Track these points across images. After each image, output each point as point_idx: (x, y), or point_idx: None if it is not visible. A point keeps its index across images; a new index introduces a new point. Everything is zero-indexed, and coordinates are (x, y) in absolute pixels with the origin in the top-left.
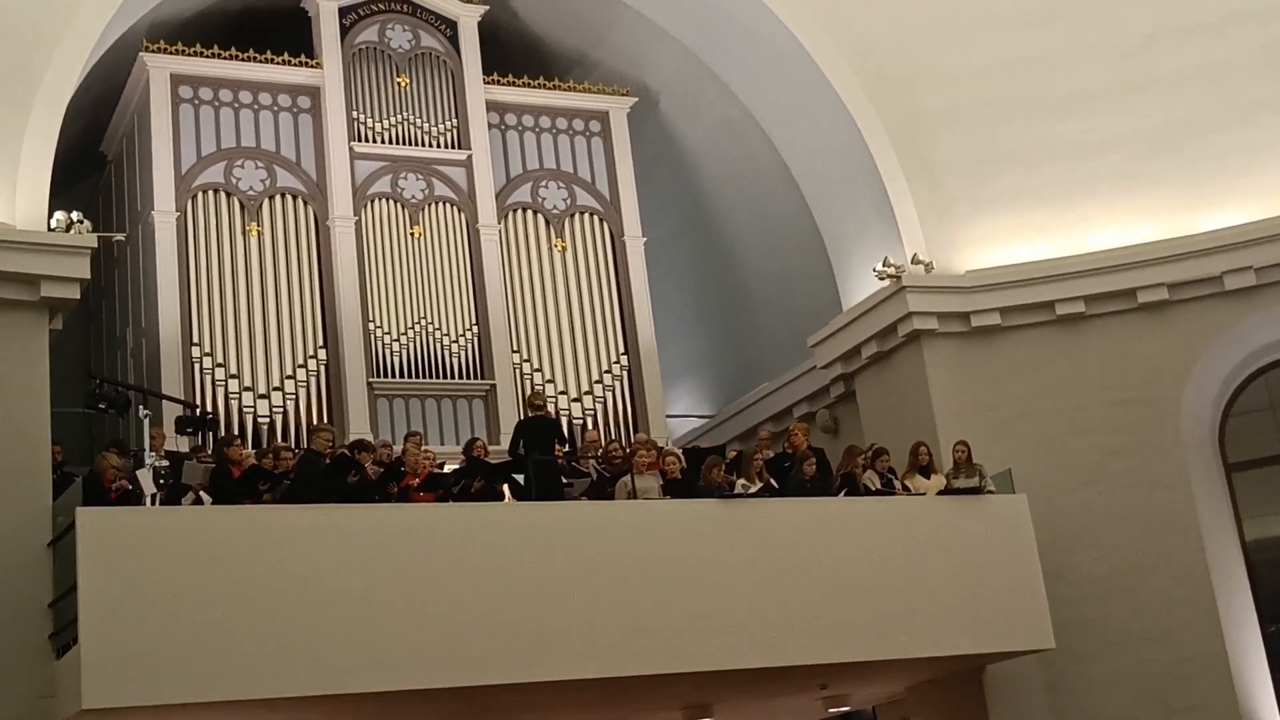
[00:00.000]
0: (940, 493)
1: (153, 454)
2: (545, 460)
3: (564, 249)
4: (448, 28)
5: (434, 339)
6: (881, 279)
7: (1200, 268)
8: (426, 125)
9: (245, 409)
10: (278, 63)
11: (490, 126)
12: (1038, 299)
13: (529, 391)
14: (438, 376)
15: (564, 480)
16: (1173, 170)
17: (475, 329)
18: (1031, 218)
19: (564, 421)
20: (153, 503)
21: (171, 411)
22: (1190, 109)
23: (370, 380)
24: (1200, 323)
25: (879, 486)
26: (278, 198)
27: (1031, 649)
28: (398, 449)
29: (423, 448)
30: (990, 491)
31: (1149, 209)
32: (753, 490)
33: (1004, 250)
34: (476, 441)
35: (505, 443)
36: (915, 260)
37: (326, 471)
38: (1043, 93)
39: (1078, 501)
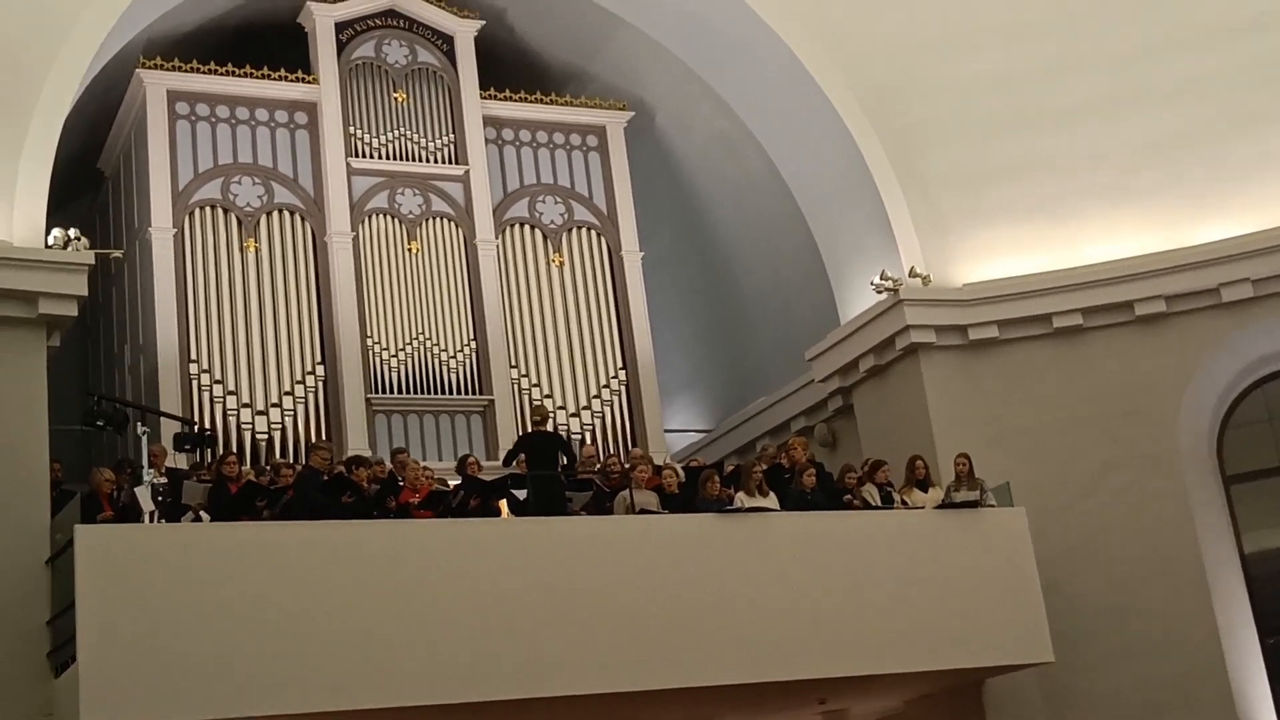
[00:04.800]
0: (939, 506)
1: (151, 471)
2: (547, 475)
3: (561, 264)
4: (444, 43)
5: (432, 355)
6: (879, 292)
7: (1197, 280)
8: (423, 141)
9: (244, 425)
10: (274, 79)
11: (487, 141)
12: (1035, 312)
13: (529, 406)
14: (436, 392)
15: (566, 495)
16: (1168, 183)
17: (473, 344)
18: (1028, 231)
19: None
20: (151, 520)
21: (170, 428)
22: (1185, 122)
23: (368, 396)
24: (1197, 335)
25: (878, 501)
26: (275, 214)
27: (1030, 662)
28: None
29: (422, 464)
30: (989, 505)
31: (1145, 221)
32: (750, 505)
33: (1001, 263)
34: (469, 459)
35: (502, 458)
36: (913, 273)
37: (324, 489)
38: (1038, 106)
39: (1075, 514)
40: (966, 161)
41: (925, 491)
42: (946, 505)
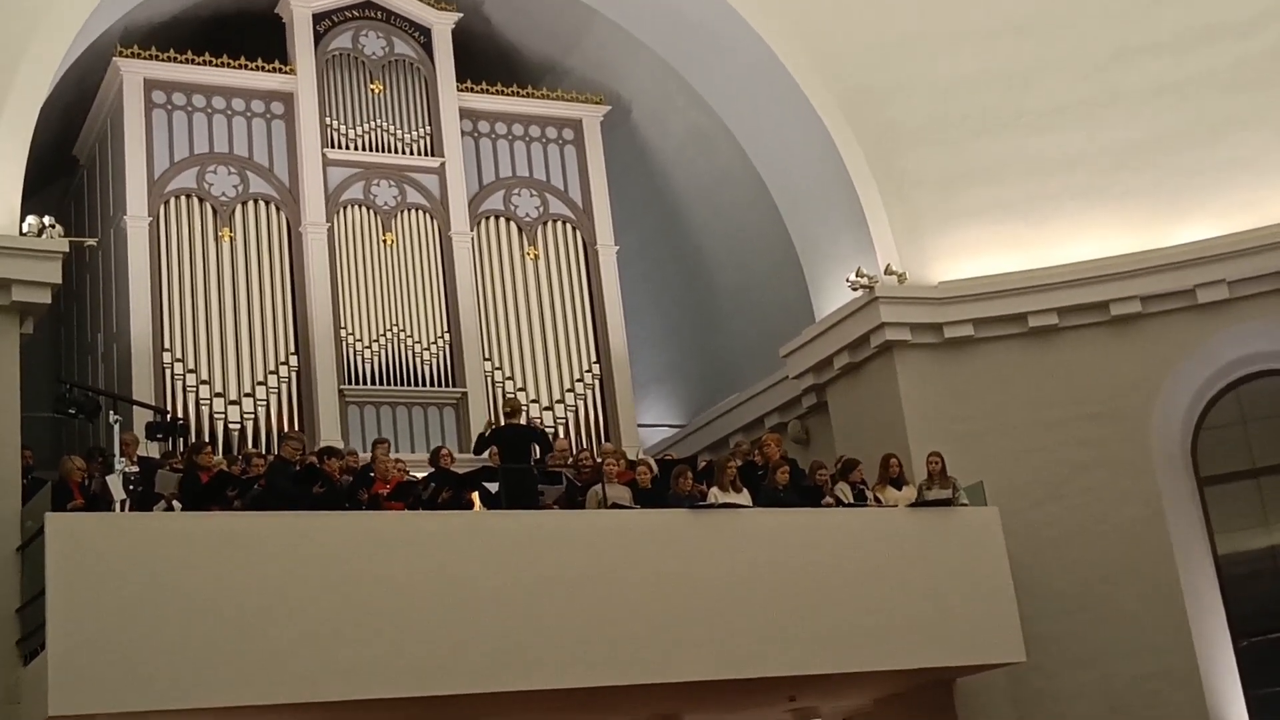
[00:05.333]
0: (912, 504)
1: (123, 460)
2: (519, 468)
3: (536, 257)
4: (421, 35)
5: (405, 346)
6: (854, 289)
7: (1173, 281)
8: (399, 132)
9: (216, 415)
10: (251, 68)
11: (463, 134)
12: (1010, 311)
13: (502, 399)
14: (409, 384)
15: (538, 488)
16: (1145, 185)
17: (447, 336)
18: (1004, 230)
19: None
20: (122, 509)
21: (142, 417)
22: (1160, 125)
23: (341, 387)
24: (1173, 336)
25: (850, 498)
26: (250, 203)
27: (1002, 662)
28: (365, 457)
29: (391, 455)
30: (963, 504)
31: (1122, 222)
32: (723, 501)
33: (977, 262)
34: (442, 450)
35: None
36: (888, 271)
37: (295, 479)
38: (1015, 107)
39: (1047, 515)
40: (943, 161)
41: (899, 489)
42: (920, 503)
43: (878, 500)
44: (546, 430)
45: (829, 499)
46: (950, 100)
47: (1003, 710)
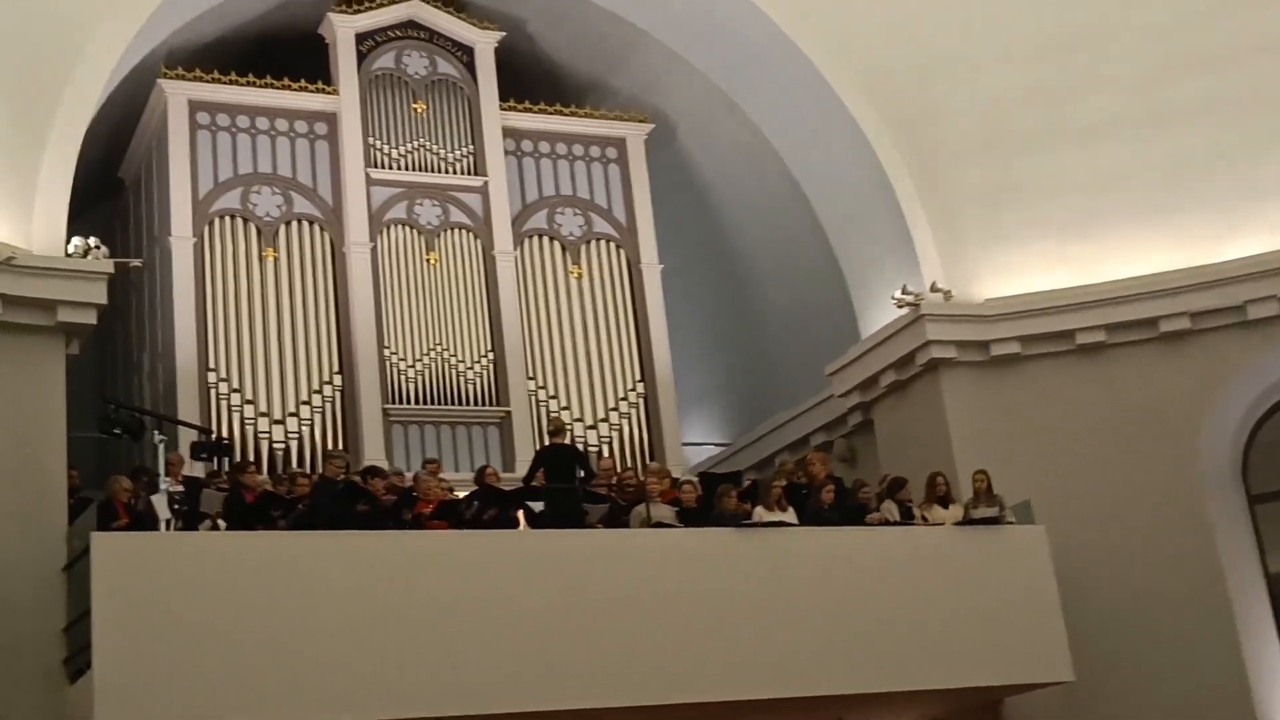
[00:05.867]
0: (958, 523)
1: (168, 479)
2: (564, 488)
3: (580, 276)
4: (464, 54)
5: (449, 365)
6: (900, 307)
7: (1223, 297)
8: (443, 151)
9: (261, 434)
10: (295, 89)
11: (507, 153)
12: (1058, 328)
13: (546, 418)
14: (453, 403)
15: (583, 507)
16: (1193, 201)
17: (491, 355)
18: (1051, 247)
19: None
20: (167, 528)
21: (187, 437)
22: (1208, 142)
23: (385, 406)
24: (1222, 353)
25: (897, 517)
26: (294, 223)
27: (1050, 681)
28: (410, 476)
29: (439, 475)
30: (1009, 522)
31: (1170, 239)
32: (768, 519)
33: (1023, 279)
34: (487, 469)
35: (519, 470)
36: (934, 288)
37: (339, 498)
38: (1061, 125)
39: (1096, 533)
40: (989, 178)
41: (945, 508)
42: (966, 522)
43: (924, 519)
44: (590, 450)
45: (874, 515)
46: (996, 118)
47: None
